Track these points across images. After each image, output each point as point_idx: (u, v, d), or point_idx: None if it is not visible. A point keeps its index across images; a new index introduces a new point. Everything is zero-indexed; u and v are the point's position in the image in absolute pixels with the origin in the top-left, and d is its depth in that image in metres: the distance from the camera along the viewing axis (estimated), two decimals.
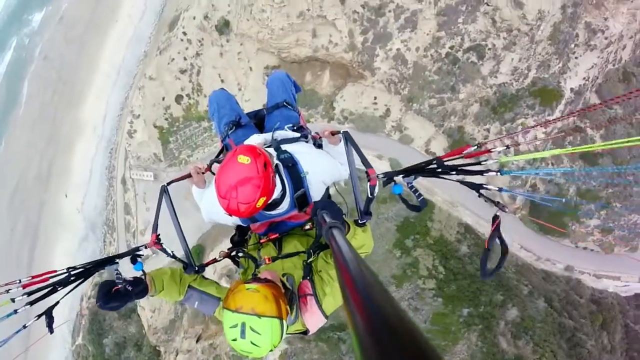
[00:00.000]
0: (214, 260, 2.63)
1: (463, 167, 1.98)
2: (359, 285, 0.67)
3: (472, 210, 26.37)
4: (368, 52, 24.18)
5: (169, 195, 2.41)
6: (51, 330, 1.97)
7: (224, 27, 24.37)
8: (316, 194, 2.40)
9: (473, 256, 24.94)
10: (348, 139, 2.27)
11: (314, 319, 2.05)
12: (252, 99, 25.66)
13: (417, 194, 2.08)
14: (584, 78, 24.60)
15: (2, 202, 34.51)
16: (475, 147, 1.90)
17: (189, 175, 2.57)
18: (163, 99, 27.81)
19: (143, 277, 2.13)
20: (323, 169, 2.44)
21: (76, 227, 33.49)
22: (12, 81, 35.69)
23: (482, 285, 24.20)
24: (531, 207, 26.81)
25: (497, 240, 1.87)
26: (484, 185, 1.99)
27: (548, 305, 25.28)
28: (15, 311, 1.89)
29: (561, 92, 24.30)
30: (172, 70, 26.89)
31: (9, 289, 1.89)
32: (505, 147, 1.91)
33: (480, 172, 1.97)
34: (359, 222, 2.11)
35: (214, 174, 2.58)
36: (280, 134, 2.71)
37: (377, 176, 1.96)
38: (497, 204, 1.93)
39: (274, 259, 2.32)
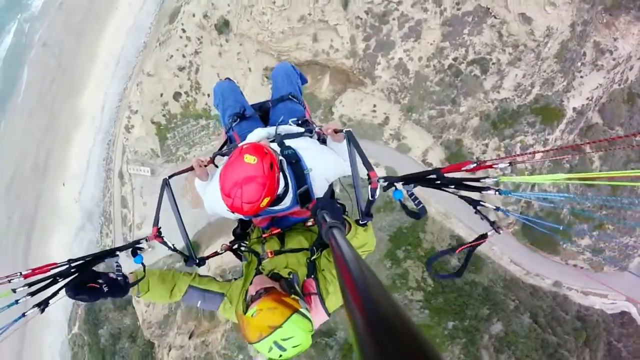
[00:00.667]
0: (215, 253, 2.67)
1: (462, 182, 2.03)
2: (359, 285, 0.68)
3: (466, 222, 26.43)
4: (369, 60, 23.74)
5: (170, 188, 2.44)
6: (42, 311, 1.98)
7: (223, 26, 23.90)
8: (319, 191, 2.39)
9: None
10: (351, 139, 2.26)
11: (317, 318, 2.05)
12: (251, 100, 25.32)
13: (416, 202, 2.11)
14: (588, 98, 24.18)
15: None
16: (475, 164, 1.96)
17: (192, 168, 2.57)
18: (161, 95, 27.57)
19: (126, 275, 2.09)
20: (327, 166, 2.42)
21: (73, 217, 33.81)
22: (11, 67, 35.37)
23: (469, 300, 24.54)
24: (524, 223, 26.87)
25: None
26: (482, 202, 2.04)
27: (533, 321, 25.65)
28: (17, 301, 1.93)
29: (563, 111, 23.93)
30: (170, 67, 26.54)
31: (11, 280, 1.92)
32: (508, 164, 1.97)
33: (479, 189, 2.01)
34: (360, 222, 2.12)
35: (216, 166, 2.68)
36: (284, 129, 2.68)
37: (378, 180, 1.98)
38: (492, 224, 2.01)
39: (276, 253, 2.32)
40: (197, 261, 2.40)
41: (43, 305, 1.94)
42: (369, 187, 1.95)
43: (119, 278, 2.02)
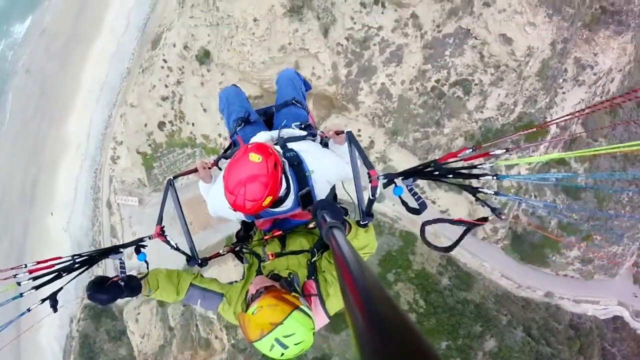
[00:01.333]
0: (217, 255, 2.69)
1: (460, 171, 2.06)
2: (359, 285, 0.68)
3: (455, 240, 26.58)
4: (352, 85, 23.67)
5: (174, 188, 2.46)
6: (55, 310, 2.04)
7: (204, 57, 23.70)
8: (321, 193, 2.41)
9: (454, 288, 25.35)
10: (351, 139, 2.29)
11: (317, 319, 2.04)
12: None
13: (416, 197, 2.13)
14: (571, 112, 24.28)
15: None
16: (471, 149, 2.00)
17: (195, 170, 2.61)
18: (145, 125, 27.35)
19: (139, 275, 2.16)
20: (328, 168, 2.44)
21: (63, 246, 33.44)
22: None
23: (462, 318, 24.73)
24: (513, 238, 27.10)
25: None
26: (480, 189, 2.08)
27: (526, 334, 25.93)
28: (21, 294, 1.97)
29: (547, 128, 24.02)
30: (153, 97, 26.32)
31: (16, 274, 1.96)
32: (504, 151, 2.03)
33: (477, 176, 2.04)
34: (361, 223, 2.14)
35: (220, 169, 2.72)
36: (287, 132, 2.72)
37: (378, 177, 2.00)
38: (494, 210, 2.01)
39: (277, 255, 2.33)
40: (200, 262, 2.42)
41: (52, 302, 2.01)
42: (370, 185, 1.98)
43: (134, 275, 2.12)
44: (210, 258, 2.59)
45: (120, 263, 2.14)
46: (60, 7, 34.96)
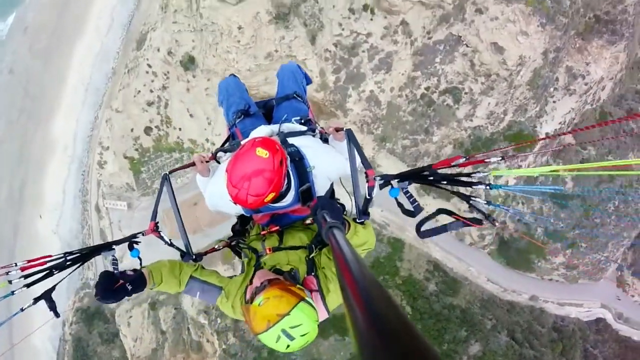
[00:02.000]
0: (213, 250, 2.71)
1: (454, 178, 2.13)
2: (359, 284, 0.69)
3: (442, 246, 26.87)
4: (340, 92, 23.27)
5: (170, 183, 2.48)
6: (57, 314, 2.08)
7: (189, 63, 23.12)
8: (321, 189, 2.43)
9: (440, 294, 25.75)
10: (351, 137, 2.32)
11: (318, 315, 2.07)
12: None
13: (411, 199, 2.20)
14: (560, 122, 24.17)
15: None
16: (464, 158, 2.04)
17: (193, 164, 2.61)
18: (132, 130, 26.89)
19: (141, 270, 2.18)
20: (329, 164, 2.45)
21: (53, 248, 33.36)
22: None
23: (447, 324, 25.22)
24: (500, 244, 27.38)
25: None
26: (473, 197, 2.14)
27: (510, 338, 26.57)
28: (13, 292, 1.97)
29: (536, 136, 23.93)
30: (138, 102, 25.78)
31: (8, 272, 1.97)
32: (500, 159, 2.10)
33: (470, 184, 2.10)
34: (357, 221, 2.18)
35: (218, 162, 2.73)
36: (287, 127, 2.71)
37: (375, 178, 2.04)
38: (487, 217, 2.10)
39: (274, 250, 2.36)
40: (194, 257, 2.42)
41: (50, 304, 2.02)
42: (367, 185, 2.02)
43: (138, 271, 2.14)
44: (205, 253, 2.57)
45: (113, 260, 2.15)
46: (43, 3, 33.76)
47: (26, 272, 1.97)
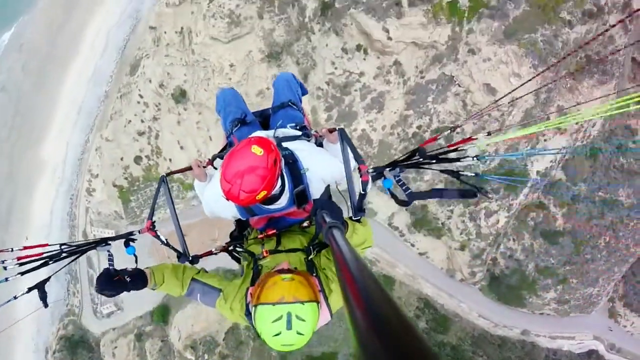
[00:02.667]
0: (210, 253, 2.70)
1: (442, 155, 2.21)
2: (359, 284, 0.69)
3: (433, 282, 26.70)
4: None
5: (167, 185, 2.51)
6: (46, 305, 2.09)
7: (180, 96, 22.94)
8: (316, 192, 2.45)
9: (431, 332, 25.51)
10: (343, 135, 2.34)
11: (320, 317, 1.99)
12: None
13: (404, 187, 2.25)
14: (551, 160, 24.23)
15: None
16: (449, 131, 2.12)
17: (190, 168, 2.64)
18: (121, 159, 26.58)
19: (142, 269, 2.20)
20: (323, 167, 2.48)
21: (39, 271, 32.84)
22: None
23: None
24: (490, 280, 27.26)
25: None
26: (462, 173, 2.23)
27: None
28: (7, 279, 1.99)
29: (527, 175, 23.97)
30: (129, 132, 25.50)
31: (4, 260, 2.00)
32: (486, 134, 2.17)
33: (458, 159, 2.23)
34: (353, 218, 2.19)
35: (215, 168, 2.78)
36: (282, 132, 2.75)
37: (367, 171, 2.07)
38: (479, 190, 2.17)
39: (272, 252, 2.33)
40: (190, 258, 2.42)
41: (41, 294, 2.06)
42: (360, 180, 2.05)
43: (139, 268, 2.18)
44: (202, 256, 2.58)
45: (109, 256, 2.21)
46: (40, 22, 33.43)
47: (22, 260, 2.01)
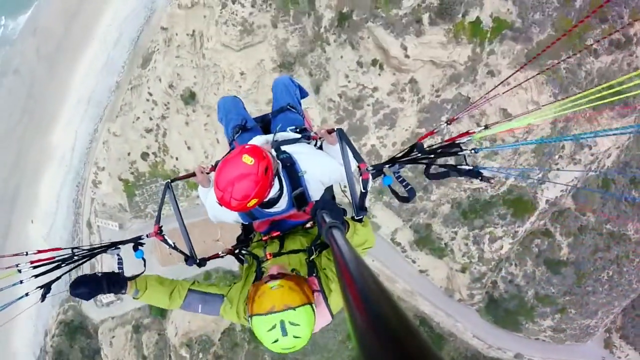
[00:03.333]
0: (217, 256, 2.76)
1: (440, 149, 2.25)
2: (359, 284, 0.69)
3: (431, 300, 26.62)
4: None
5: (172, 190, 2.59)
6: (42, 299, 2.18)
7: (189, 98, 22.69)
8: (315, 194, 2.46)
9: None
10: (342, 135, 2.35)
11: (320, 317, 2.02)
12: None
13: (404, 183, 2.30)
14: (562, 190, 23.69)
15: None
16: (445, 123, 2.14)
17: (194, 174, 2.71)
18: (128, 154, 26.58)
19: (125, 275, 2.20)
20: (321, 168, 2.50)
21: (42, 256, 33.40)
22: None
23: None
24: (489, 302, 27.09)
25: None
26: (459, 166, 2.26)
27: None
28: (21, 281, 2.12)
29: (536, 204, 23.51)
30: (137, 128, 25.42)
31: (18, 264, 2.12)
32: (483, 128, 2.17)
33: (456, 153, 2.27)
34: (355, 218, 2.21)
35: None
36: (281, 135, 2.79)
37: (367, 169, 2.09)
38: (481, 177, 2.22)
39: (275, 255, 2.36)
40: (198, 261, 2.47)
41: (44, 290, 2.15)
42: (361, 179, 2.06)
43: (119, 271, 2.19)
44: (209, 258, 2.61)
45: (119, 259, 2.25)
46: (55, 7, 33.13)
47: (36, 263, 2.11)
